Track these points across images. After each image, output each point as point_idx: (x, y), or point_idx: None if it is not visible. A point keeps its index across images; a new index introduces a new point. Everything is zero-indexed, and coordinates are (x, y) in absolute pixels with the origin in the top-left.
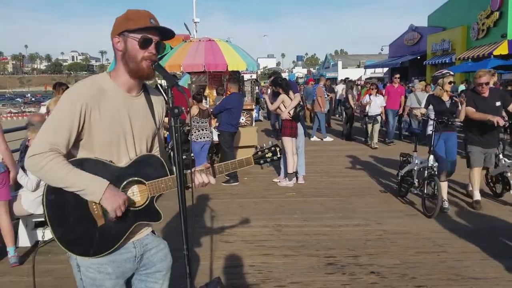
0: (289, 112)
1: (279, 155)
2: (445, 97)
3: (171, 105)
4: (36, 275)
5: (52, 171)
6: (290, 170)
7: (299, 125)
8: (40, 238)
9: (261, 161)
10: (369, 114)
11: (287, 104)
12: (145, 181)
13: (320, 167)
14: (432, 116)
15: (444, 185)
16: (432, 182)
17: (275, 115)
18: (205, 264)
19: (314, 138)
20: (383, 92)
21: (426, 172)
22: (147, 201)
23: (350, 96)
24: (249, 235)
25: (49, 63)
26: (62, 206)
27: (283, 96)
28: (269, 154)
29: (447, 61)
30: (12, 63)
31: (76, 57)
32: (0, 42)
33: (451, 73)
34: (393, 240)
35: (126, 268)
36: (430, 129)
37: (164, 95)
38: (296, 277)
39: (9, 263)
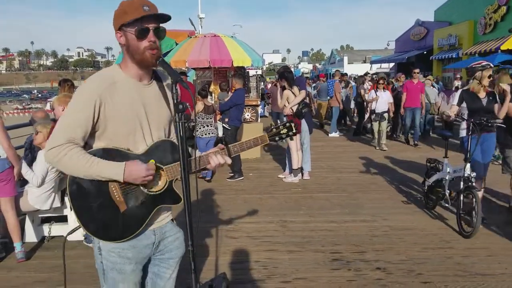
0: (291, 108)
1: (294, 131)
2: (482, 94)
3: (175, 101)
4: (44, 270)
5: (71, 162)
6: (295, 166)
7: (303, 121)
8: (46, 234)
9: (276, 138)
10: (376, 111)
11: (291, 100)
12: (162, 166)
13: (326, 163)
14: (466, 115)
15: (480, 195)
16: (469, 195)
17: (276, 114)
18: (211, 260)
19: (333, 134)
20: (390, 88)
21: (461, 183)
22: (166, 185)
23: (362, 91)
24: (255, 230)
25: (55, 59)
26: (85, 195)
27: (287, 92)
28: (284, 131)
29: (454, 56)
30: (19, 60)
31: (82, 53)
32: (6, 39)
33: (491, 65)
34: (399, 236)
35: (145, 254)
36: (464, 132)
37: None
38: (302, 273)
39: (16, 259)
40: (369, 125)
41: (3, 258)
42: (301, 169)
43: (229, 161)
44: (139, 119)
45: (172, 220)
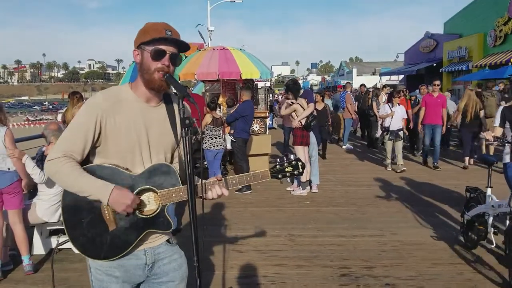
0: (300, 121)
1: (300, 170)
2: None
3: (182, 116)
4: (51, 283)
5: (64, 176)
6: (303, 179)
7: (311, 133)
8: (55, 246)
9: (280, 175)
10: (390, 128)
11: (298, 113)
12: (157, 190)
13: (335, 176)
14: (510, 136)
15: None
16: None
17: (288, 129)
18: (218, 274)
19: (347, 146)
20: (409, 103)
21: (507, 221)
22: (158, 210)
23: (374, 104)
24: (262, 244)
25: (66, 71)
26: (76, 210)
27: (295, 106)
28: (289, 169)
29: (463, 69)
30: (30, 71)
31: (93, 65)
32: (19, 51)
33: None
34: (409, 251)
35: (134, 275)
36: (508, 157)
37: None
38: None
39: (23, 271)
40: (380, 144)
41: (11, 270)
42: (309, 182)
43: (226, 193)
44: (138, 141)
45: (168, 241)
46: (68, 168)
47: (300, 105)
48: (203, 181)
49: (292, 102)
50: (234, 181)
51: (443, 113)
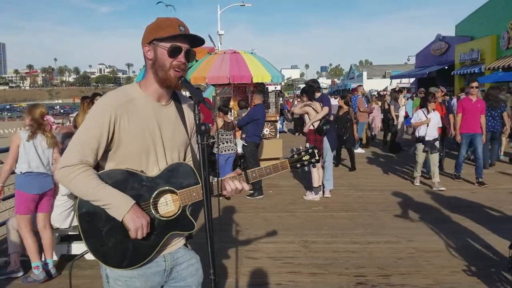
0: (312, 125)
1: (317, 157)
2: None
3: (197, 122)
4: None
5: (81, 185)
6: (315, 184)
7: (325, 138)
8: (66, 252)
9: (298, 165)
10: (426, 138)
11: (311, 116)
12: (176, 190)
13: (348, 181)
14: None
15: None
16: None
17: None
18: (231, 282)
19: (359, 150)
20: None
21: None
22: (179, 211)
23: (392, 107)
24: (275, 251)
25: (77, 76)
26: (94, 219)
27: (307, 108)
28: (306, 157)
29: (476, 71)
30: (42, 76)
31: (104, 69)
32: (30, 56)
33: None
34: (426, 259)
35: (154, 282)
36: None
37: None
38: None
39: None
40: (415, 154)
41: (21, 275)
42: (322, 187)
43: (246, 187)
44: (152, 140)
45: (185, 245)
46: (84, 176)
47: (313, 108)
48: (220, 178)
49: (307, 104)
50: (254, 175)
51: (481, 120)
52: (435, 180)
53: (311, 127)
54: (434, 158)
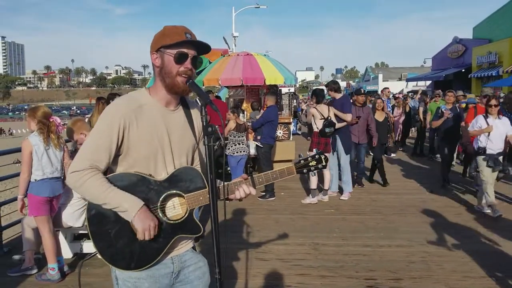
0: (317, 127)
1: (324, 163)
2: None
3: (204, 124)
4: None
5: (91, 189)
6: (312, 186)
7: (338, 141)
8: (78, 251)
9: (304, 170)
10: (487, 150)
11: (316, 117)
12: (184, 194)
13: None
14: None
15: None
16: None
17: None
18: (241, 283)
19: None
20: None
21: None
22: (186, 214)
23: (421, 109)
24: (286, 253)
25: (94, 77)
26: (103, 221)
27: (312, 110)
28: (313, 163)
29: (493, 74)
30: (59, 77)
31: (120, 71)
32: (48, 57)
33: None
34: (438, 263)
35: (162, 284)
36: None
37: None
38: None
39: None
40: (472, 172)
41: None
42: (319, 190)
43: (253, 192)
44: (161, 145)
45: (193, 248)
46: (94, 180)
47: (317, 110)
48: (227, 183)
49: (313, 106)
50: (260, 179)
51: None
52: (494, 209)
53: (316, 130)
54: (494, 176)
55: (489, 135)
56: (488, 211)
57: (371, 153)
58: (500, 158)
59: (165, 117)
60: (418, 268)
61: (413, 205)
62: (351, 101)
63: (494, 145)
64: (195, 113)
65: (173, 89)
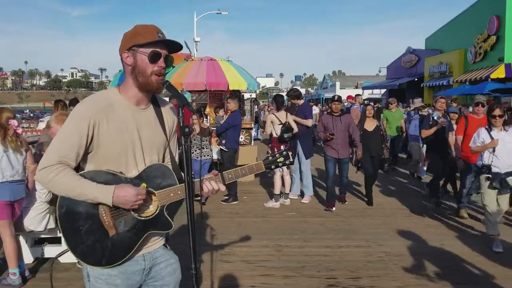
0: (276, 133)
1: (291, 159)
2: None
3: (181, 124)
4: None
5: (61, 182)
6: (276, 191)
7: (299, 145)
8: (40, 255)
9: (272, 166)
10: (493, 168)
11: (275, 124)
12: (154, 191)
13: (320, 188)
14: None
15: None
16: None
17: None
18: (206, 284)
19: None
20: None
21: None
22: (157, 211)
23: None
24: (249, 255)
25: (48, 79)
26: (74, 218)
27: (270, 116)
28: (281, 159)
29: (444, 84)
30: (12, 79)
31: (76, 73)
32: (0, 58)
33: None
34: (394, 262)
35: (134, 281)
36: None
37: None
38: None
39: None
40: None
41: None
42: (281, 194)
43: (223, 188)
44: (131, 143)
45: (164, 245)
46: (64, 174)
47: (275, 116)
48: (197, 180)
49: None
50: (230, 176)
51: None
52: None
53: (275, 135)
54: (504, 201)
55: (494, 150)
56: (500, 250)
57: (362, 172)
58: (510, 178)
59: (136, 116)
60: (376, 267)
61: (370, 208)
62: (329, 110)
63: (500, 162)
64: (166, 111)
65: (146, 88)
